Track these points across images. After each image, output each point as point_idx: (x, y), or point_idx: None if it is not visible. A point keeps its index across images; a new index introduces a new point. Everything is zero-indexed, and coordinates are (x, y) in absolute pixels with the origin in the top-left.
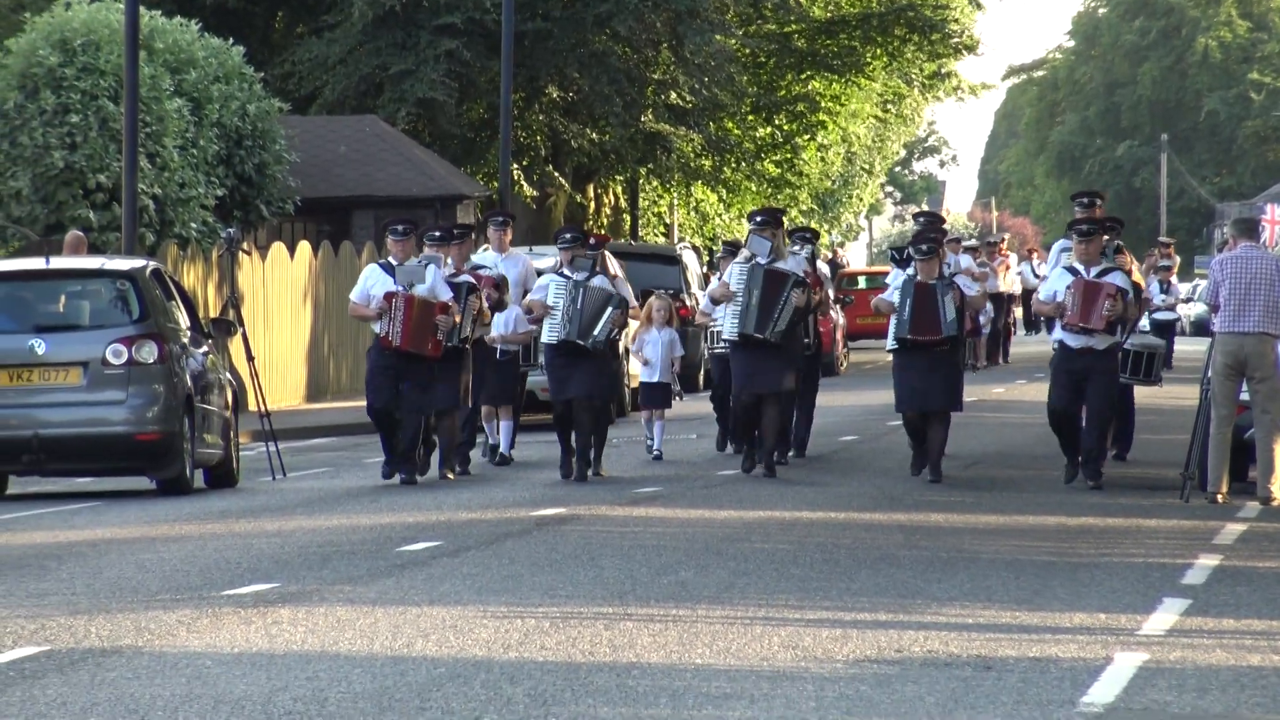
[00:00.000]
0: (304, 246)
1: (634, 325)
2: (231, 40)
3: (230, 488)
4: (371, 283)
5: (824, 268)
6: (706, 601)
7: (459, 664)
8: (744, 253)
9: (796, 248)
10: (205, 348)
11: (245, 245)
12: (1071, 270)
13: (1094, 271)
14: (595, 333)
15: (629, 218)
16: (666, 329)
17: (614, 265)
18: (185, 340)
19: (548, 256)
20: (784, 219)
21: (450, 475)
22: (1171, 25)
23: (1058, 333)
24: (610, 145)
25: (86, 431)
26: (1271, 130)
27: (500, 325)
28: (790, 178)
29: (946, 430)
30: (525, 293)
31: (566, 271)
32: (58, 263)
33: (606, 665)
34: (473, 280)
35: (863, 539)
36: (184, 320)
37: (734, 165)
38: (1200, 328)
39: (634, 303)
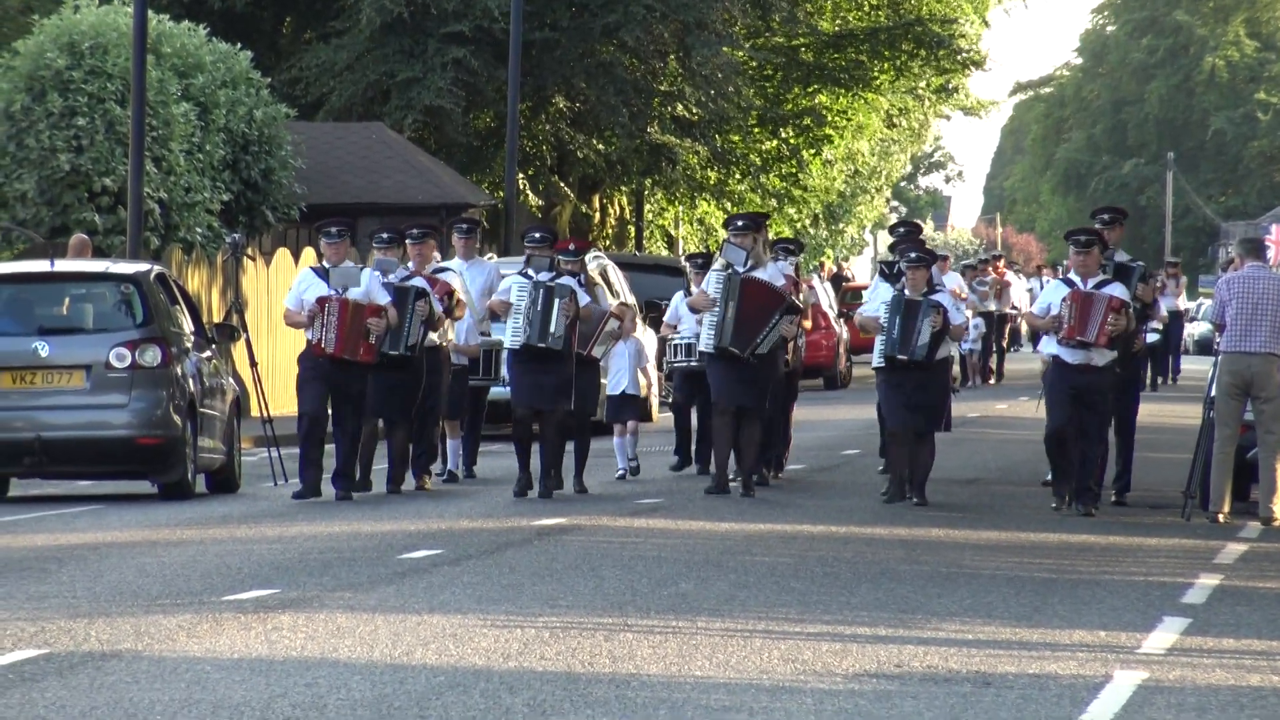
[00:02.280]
0: (308, 253)
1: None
2: (239, 45)
3: (231, 493)
4: (305, 287)
5: (826, 286)
6: (706, 614)
7: (458, 673)
8: (720, 260)
9: (783, 260)
10: (208, 352)
11: (250, 251)
12: (1067, 282)
13: (1091, 283)
14: (552, 329)
15: (634, 229)
16: (633, 339)
17: (613, 272)
18: (188, 345)
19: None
20: (766, 224)
21: (399, 490)
22: (1179, 44)
23: (1052, 347)
24: (616, 156)
25: (89, 434)
26: (1278, 150)
27: (456, 334)
28: (795, 192)
29: (932, 452)
30: None
31: (529, 272)
32: (62, 266)
33: (606, 676)
34: (423, 284)
35: (863, 553)
36: (187, 325)
37: (739, 178)
38: (1204, 346)
39: (607, 306)
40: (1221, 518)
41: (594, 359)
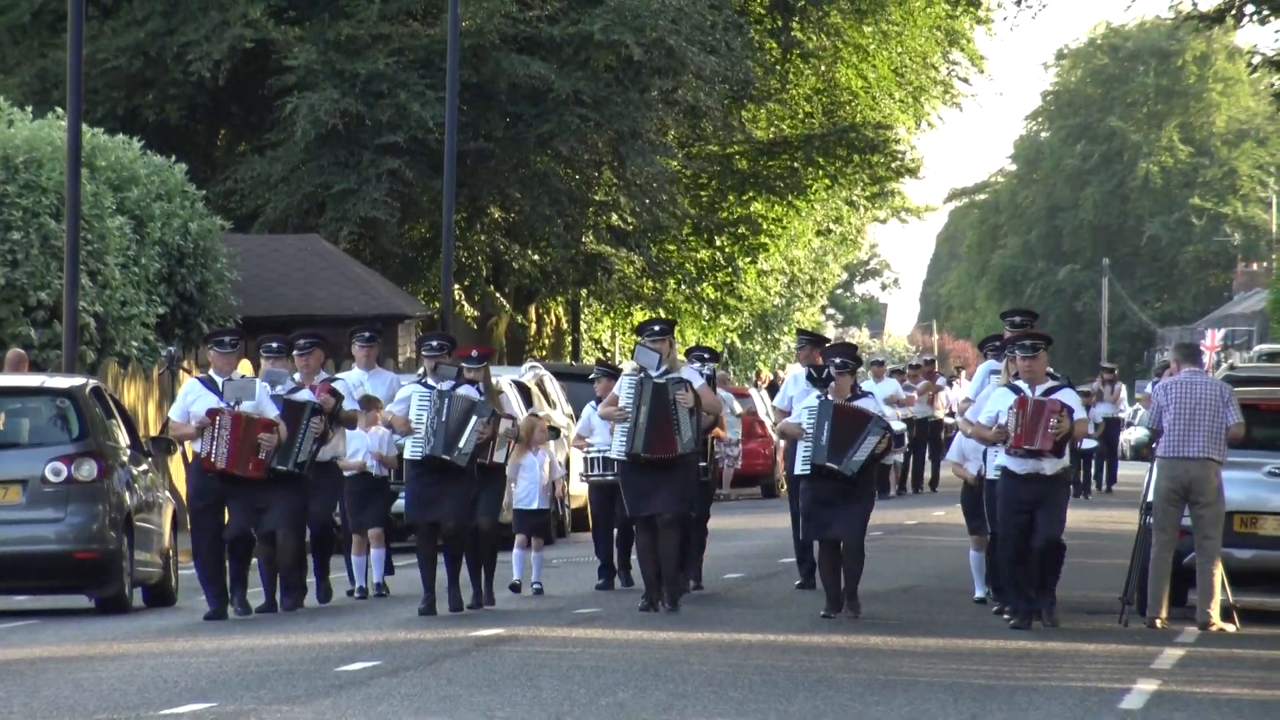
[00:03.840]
0: (244, 365)
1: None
2: (174, 158)
3: (169, 606)
4: (192, 399)
5: (763, 394)
6: None
7: None
8: (630, 365)
9: (697, 365)
10: (145, 466)
11: (185, 364)
12: (1014, 388)
13: (1040, 390)
14: (460, 445)
15: (570, 339)
16: (542, 450)
17: (549, 383)
18: (125, 458)
19: (502, 376)
20: (674, 328)
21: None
22: (1113, 150)
23: (1002, 458)
24: (551, 266)
25: (24, 549)
26: (1212, 255)
27: (375, 443)
28: (729, 301)
29: (861, 557)
30: None
31: (430, 381)
32: None
33: None
34: (316, 400)
35: (801, 661)
36: (124, 438)
37: (674, 288)
38: (1140, 452)
39: (518, 415)
40: (1159, 623)
41: (497, 465)
